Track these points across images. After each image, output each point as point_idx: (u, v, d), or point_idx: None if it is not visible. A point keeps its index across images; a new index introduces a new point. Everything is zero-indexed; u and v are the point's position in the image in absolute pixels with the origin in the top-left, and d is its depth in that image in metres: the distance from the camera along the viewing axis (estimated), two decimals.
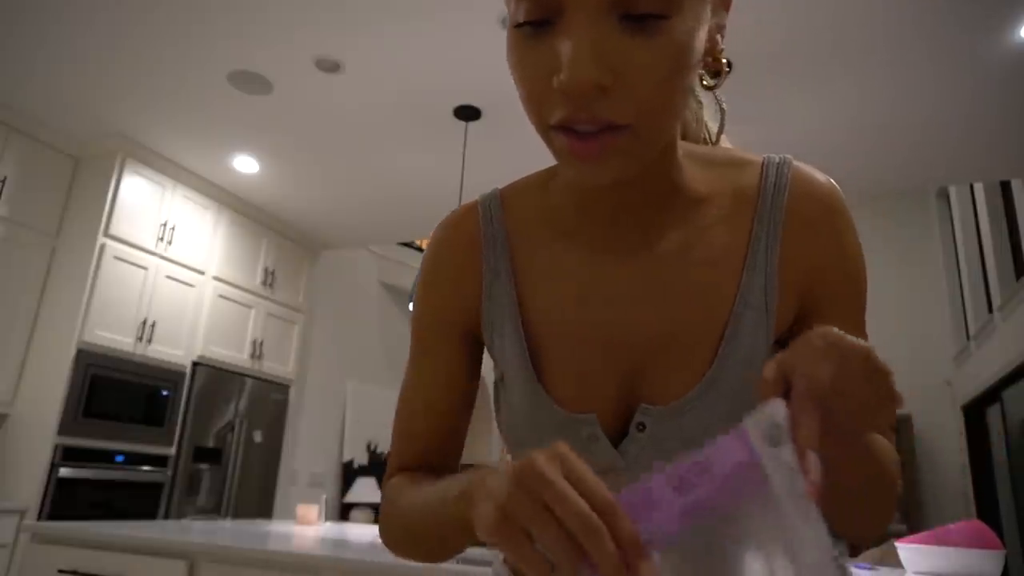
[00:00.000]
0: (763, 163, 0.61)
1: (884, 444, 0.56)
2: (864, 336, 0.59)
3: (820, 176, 0.60)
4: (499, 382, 0.68)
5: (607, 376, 0.60)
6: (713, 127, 0.73)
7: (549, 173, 0.67)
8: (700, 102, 0.73)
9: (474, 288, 0.66)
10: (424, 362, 0.69)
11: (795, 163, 0.61)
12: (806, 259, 0.58)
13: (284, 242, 5.17)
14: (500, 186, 0.71)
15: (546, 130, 0.50)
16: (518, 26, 0.49)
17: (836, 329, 0.41)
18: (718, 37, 0.55)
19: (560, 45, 0.46)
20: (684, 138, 0.68)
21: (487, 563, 1.92)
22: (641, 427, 0.59)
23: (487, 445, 6.30)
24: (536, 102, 0.49)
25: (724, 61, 0.57)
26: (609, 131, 0.47)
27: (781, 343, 0.59)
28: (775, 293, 0.58)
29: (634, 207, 0.59)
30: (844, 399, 0.40)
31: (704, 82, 0.59)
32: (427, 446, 0.68)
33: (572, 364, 0.61)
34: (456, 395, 0.68)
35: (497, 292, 0.64)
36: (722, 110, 0.68)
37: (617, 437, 0.60)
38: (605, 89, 0.45)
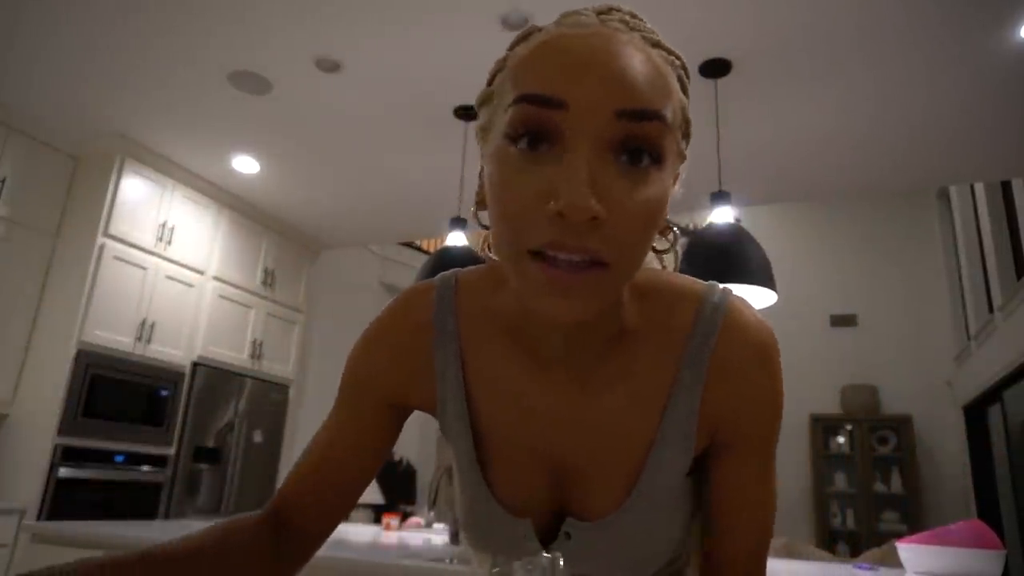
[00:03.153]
0: (699, 301, 0.62)
1: None
2: (768, 472, 0.64)
3: (753, 321, 0.61)
4: (453, 471, 0.73)
5: (541, 486, 0.67)
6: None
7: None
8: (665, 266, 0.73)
9: (416, 371, 0.68)
10: (340, 416, 0.71)
11: (731, 305, 0.61)
12: (725, 403, 0.61)
13: (284, 242, 5.16)
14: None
15: (520, 255, 0.49)
16: (512, 140, 0.49)
17: None
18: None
19: (558, 171, 0.47)
20: None
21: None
22: (567, 536, 0.66)
23: None
24: (519, 223, 0.48)
25: (672, 228, 0.61)
26: (593, 266, 0.47)
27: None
28: (694, 433, 0.61)
29: (573, 332, 0.60)
30: None
31: (656, 245, 0.61)
32: (308, 499, 0.69)
33: (513, 472, 0.67)
34: (356, 458, 0.70)
35: (450, 394, 0.68)
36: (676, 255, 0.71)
37: (548, 538, 0.67)
38: (598, 222, 0.46)
